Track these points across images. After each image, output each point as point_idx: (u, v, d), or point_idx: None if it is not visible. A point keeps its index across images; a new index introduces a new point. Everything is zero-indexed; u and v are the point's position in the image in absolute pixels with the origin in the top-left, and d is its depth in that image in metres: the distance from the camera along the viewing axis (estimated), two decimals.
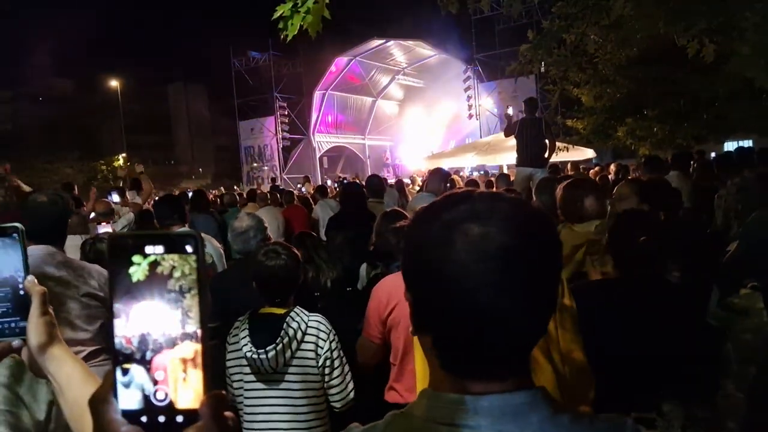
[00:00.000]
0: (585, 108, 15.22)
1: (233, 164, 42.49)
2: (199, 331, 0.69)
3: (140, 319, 0.69)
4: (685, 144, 13.49)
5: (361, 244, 4.68)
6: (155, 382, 0.69)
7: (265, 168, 32.51)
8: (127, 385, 0.69)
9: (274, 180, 25.25)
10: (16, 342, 1.12)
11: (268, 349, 2.81)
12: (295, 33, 3.78)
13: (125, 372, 0.69)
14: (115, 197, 7.86)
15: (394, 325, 3.10)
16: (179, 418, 0.69)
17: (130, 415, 0.70)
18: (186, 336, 0.69)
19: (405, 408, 0.99)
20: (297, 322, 2.90)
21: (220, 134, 66.17)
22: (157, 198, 6.28)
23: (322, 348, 2.92)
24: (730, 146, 19.35)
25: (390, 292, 3.04)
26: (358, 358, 3.20)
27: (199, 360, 0.69)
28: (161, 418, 0.69)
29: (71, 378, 1.13)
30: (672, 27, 7.34)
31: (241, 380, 2.99)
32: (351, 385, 3.05)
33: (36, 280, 1.12)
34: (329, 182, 22.72)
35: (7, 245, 1.11)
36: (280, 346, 2.82)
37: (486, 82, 26.74)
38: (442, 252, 0.91)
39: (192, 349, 0.69)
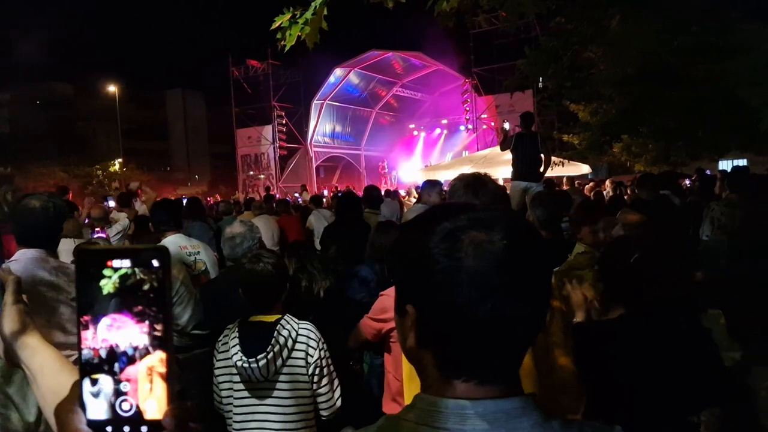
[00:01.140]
0: (581, 123, 15.29)
1: (229, 172, 42.41)
2: (164, 344, 0.71)
3: (108, 331, 0.71)
4: (679, 161, 13.56)
5: (356, 254, 4.70)
6: (121, 393, 0.71)
7: (261, 176, 32.48)
8: (94, 396, 0.71)
9: (268, 189, 25.21)
10: None
11: (258, 358, 2.79)
12: (293, 43, 3.81)
13: (93, 383, 0.71)
14: (112, 203, 7.85)
15: None
16: (144, 429, 0.71)
17: (96, 426, 0.72)
18: (152, 348, 0.71)
19: (399, 412, 1.00)
20: (287, 330, 2.89)
21: (217, 142, 66.00)
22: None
23: (312, 356, 2.92)
24: (724, 165, 19.46)
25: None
26: (350, 340, 3.33)
27: (164, 372, 0.71)
28: (126, 429, 0.71)
29: (44, 366, 1.13)
30: (664, 46, 7.41)
31: (230, 388, 2.97)
32: (338, 393, 3.06)
33: (10, 269, 1.14)
34: (325, 192, 22.74)
35: None
36: (271, 354, 2.80)
37: (483, 96, 26.84)
38: (449, 260, 0.92)
39: (157, 360, 0.71)
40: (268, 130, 32.28)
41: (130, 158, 49.14)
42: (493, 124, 26.14)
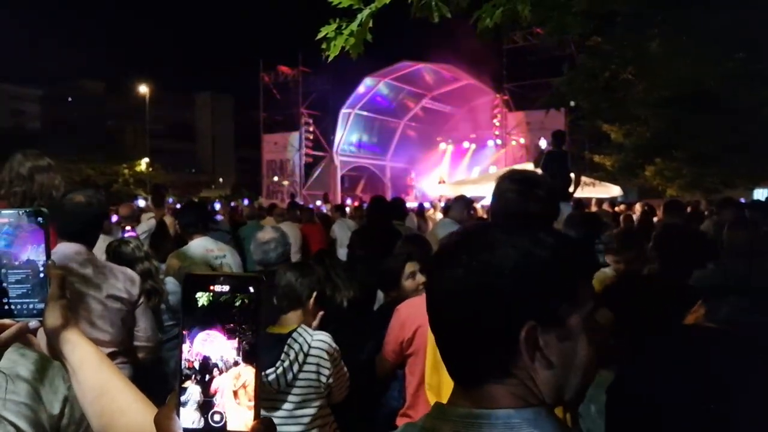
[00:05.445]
0: (613, 144, 15.12)
1: (254, 176, 42.74)
2: (253, 360, 0.77)
3: (203, 344, 0.77)
4: (713, 188, 13.33)
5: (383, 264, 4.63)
6: (212, 405, 0.77)
7: (286, 183, 32.62)
8: (184, 404, 0.77)
9: (293, 195, 25.30)
10: (32, 323, 1.15)
11: (268, 372, 2.77)
12: (337, 54, 3.83)
13: (183, 391, 0.77)
14: (141, 202, 7.91)
15: (414, 352, 3.07)
16: None
17: None
18: (242, 363, 0.77)
19: (416, 421, 1.05)
20: (299, 343, 2.85)
21: (243, 146, 66.78)
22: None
23: (325, 368, 2.88)
24: (759, 194, 19.12)
25: (410, 315, 3.03)
26: (378, 373, 3.41)
27: (252, 387, 0.77)
28: None
29: (84, 362, 1.17)
30: (708, 70, 7.31)
31: None
32: (347, 383, 3.06)
33: (56, 263, 1.15)
34: (348, 201, 22.74)
35: (32, 229, 1.14)
36: (281, 369, 2.78)
37: (514, 112, 26.75)
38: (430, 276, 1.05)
39: (247, 376, 0.77)
40: (294, 137, 32.41)
41: (156, 158, 49.75)
42: (522, 141, 26.00)
